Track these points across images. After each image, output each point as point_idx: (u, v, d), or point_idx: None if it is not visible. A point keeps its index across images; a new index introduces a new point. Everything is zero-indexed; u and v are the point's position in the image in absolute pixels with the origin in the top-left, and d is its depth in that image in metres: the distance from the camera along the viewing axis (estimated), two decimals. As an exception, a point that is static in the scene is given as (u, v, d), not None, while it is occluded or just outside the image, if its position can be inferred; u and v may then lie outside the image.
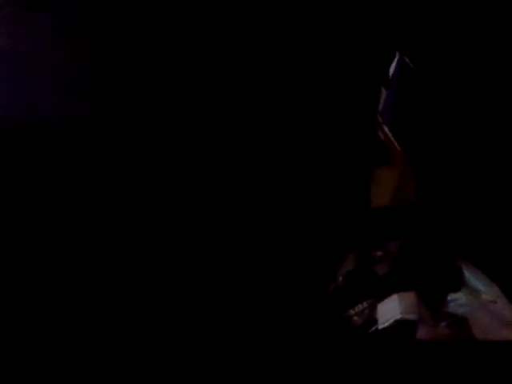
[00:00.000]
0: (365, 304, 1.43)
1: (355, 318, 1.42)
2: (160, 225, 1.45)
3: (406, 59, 1.51)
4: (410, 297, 1.39)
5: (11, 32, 1.37)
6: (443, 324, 1.36)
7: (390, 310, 1.38)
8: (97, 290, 1.42)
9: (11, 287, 1.40)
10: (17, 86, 1.40)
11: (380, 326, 1.38)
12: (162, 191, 1.45)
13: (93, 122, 1.43)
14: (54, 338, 1.39)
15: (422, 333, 1.35)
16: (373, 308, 1.42)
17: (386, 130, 1.57)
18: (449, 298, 1.39)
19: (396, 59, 1.53)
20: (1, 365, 1.34)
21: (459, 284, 1.40)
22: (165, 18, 1.41)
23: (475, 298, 1.37)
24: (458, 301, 1.38)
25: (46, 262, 1.42)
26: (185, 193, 1.47)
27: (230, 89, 1.45)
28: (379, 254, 1.50)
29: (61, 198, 1.43)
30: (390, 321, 1.37)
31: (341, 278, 1.47)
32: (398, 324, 1.36)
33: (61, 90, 1.40)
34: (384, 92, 1.56)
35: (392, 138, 1.56)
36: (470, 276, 1.40)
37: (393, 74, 1.55)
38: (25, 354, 1.37)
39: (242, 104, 1.47)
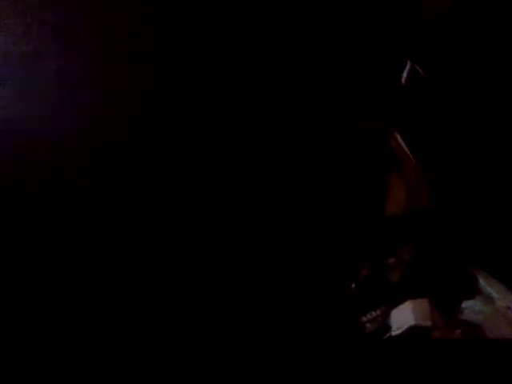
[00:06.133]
0: (378, 311, 1.43)
1: (368, 324, 1.42)
2: (163, 226, 1.45)
3: (417, 67, 1.51)
4: (423, 303, 1.38)
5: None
6: (457, 331, 1.35)
7: (404, 316, 1.38)
8: (97, 290, 1.42)
9: (11, 288, 1.40)
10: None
11: (394, 333, 1.37)
12: (163, 192, 1.45)
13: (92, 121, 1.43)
14: (54, 338, 1.39)
15: (435, 340, 1.34)
16: (386, 315, 1.41)
17: (398, 136, 1.57)
18: (463, 305, 1.39)
19: (407, 67, 1.54)
20: (1, 365, 1.35)
21: (473, 291, 1.40)
22: (164, 18, 1.42)
23: (490, 305, 1.36)
24: (472, 308, 1.38)
25: (47, 262, 1.42)
26: (198, 196, 1.46)
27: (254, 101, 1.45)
28: (392, 261, 1.50)
29: (61, 198, 1.43)
30: (404, 327, 1.36)
31: (354, 285, 1.47)
32: (412, 331, 1.35)
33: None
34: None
35: (403, 145, 1.56)
36: (485, 283, 1.40)
37: (404, 81, 1.55)
38: (25, 354, 1.37)
39: (255, 111, 1.47)
